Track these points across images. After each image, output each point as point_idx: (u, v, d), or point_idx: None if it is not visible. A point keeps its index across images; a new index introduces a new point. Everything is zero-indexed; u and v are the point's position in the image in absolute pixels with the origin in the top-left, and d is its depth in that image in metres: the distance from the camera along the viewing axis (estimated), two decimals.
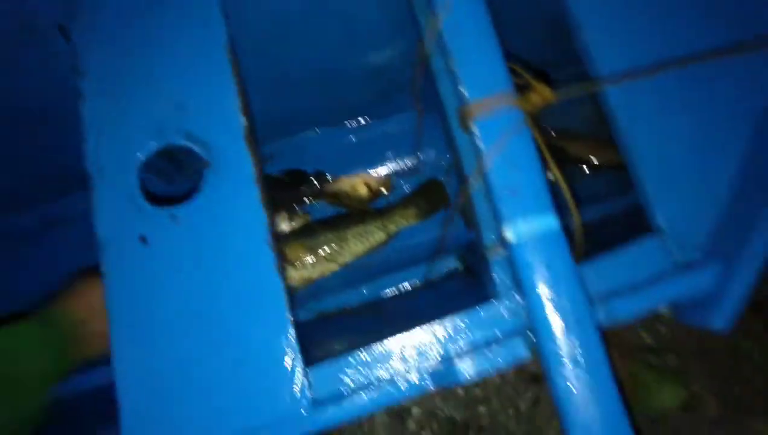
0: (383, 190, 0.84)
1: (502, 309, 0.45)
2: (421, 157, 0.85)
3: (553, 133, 0.88)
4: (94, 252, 0.45)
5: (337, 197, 0.82)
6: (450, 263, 0.82)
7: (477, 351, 0.43)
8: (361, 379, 0.43)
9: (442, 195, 0.83)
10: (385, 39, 0.64)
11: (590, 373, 0.40)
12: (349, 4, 0.60)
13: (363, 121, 0.86)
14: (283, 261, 0.53)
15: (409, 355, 0.44)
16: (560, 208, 0.44)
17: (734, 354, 1.01)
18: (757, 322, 1.03)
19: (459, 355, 0.43)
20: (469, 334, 0.44)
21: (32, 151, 0.68)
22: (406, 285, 0.81)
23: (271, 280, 0.44)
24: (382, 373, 0.43)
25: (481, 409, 1.00)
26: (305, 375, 0.43)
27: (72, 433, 0.51)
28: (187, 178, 0.73)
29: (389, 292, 0.82)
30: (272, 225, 0.46)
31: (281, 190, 0.82)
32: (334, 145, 0.85)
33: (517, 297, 0.45)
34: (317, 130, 0.85)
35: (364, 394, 0.42)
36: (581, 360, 0.40)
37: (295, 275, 0.76)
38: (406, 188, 0.86)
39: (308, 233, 0.78)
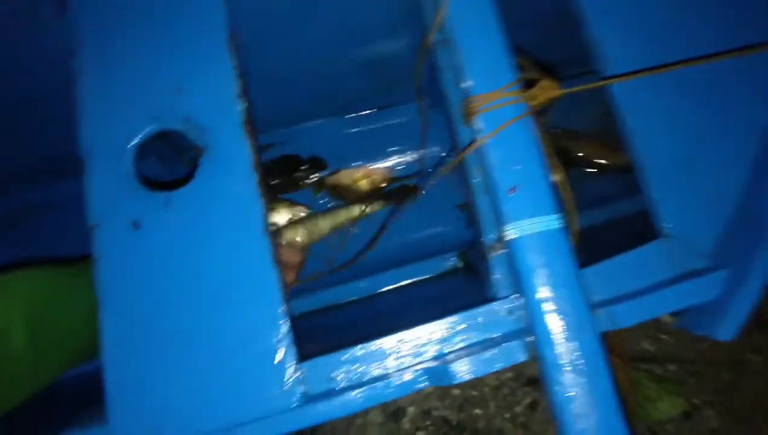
0: (384, 185, 0.83)
1: (501, 310, 0.44)
2: (425, 152, 0.84)
3: (559, 132, 0.86)
4: (83, 238, 0.44)
5: (336, 190, 0.81)
6: (450, 261, 0.81)
7: (474, 352, 0.42)
8: (356, 375, 0.42)
9: (413, 194, 0.81)
10: (390, 30, 0.63)
11: (589, 380, 0.39)
12: None
13: (365, 113, 0.85)
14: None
15: (405, 352, 0.43)
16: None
17: (735, 366, 1.00)
18: (758, 335, 1.02)
19: (455, 355, 0.42)
20: (467, 334, 0.43)
21: (20, 133, 0.66)
22: (405, 281, 0.80)
23: (265, 270, 0.43)
24: (377, 370, 0.42)
25: (477, 411, 0.99)
26: (298, 369, 0.42)
27: (56, 417, 0.50)
28: (185, 163, 0.72)
29: (387, 288, 0.81)
30: (268, 214, 0.46)
31: (275, 175, 0.81)
32: (335, 136, 0.84)
33: (517, 298, 0.44)
34: (318, 121, 0.84)
35: (357, 390, 0.41)
36: (581, 366, 0.39)
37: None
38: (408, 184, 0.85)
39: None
